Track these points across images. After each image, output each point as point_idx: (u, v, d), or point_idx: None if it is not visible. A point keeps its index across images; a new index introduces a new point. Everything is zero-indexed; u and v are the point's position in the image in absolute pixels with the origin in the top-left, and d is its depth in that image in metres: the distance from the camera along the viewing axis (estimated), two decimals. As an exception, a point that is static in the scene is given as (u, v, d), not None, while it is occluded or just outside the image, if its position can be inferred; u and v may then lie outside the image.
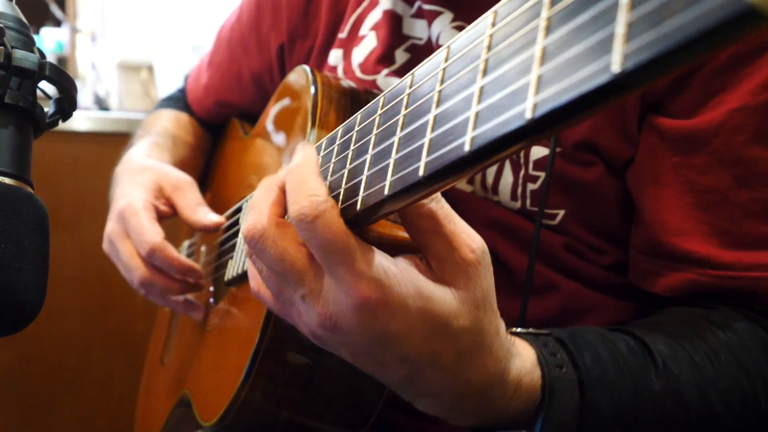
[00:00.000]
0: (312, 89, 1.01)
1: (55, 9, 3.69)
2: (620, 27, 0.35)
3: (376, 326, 0.63)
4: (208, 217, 1.16)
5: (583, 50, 0.37)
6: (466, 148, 0.43)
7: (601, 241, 0.99)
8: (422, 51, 1.11)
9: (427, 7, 1.07)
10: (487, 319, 0.66)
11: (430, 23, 1.08)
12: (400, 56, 1.13)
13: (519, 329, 0.78)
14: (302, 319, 0.68)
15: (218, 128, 1.61)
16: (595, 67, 0.36)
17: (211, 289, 1.27)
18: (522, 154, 0.97)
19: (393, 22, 1.13)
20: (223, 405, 0.98)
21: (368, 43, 1.16)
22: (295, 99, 1.10)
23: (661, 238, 0.92)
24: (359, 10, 1.19)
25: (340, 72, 1.20)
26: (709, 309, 0.90)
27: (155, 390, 1.55)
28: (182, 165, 1.41)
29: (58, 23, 3.90)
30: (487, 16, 0.49)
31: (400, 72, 1.12)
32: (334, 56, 1.22)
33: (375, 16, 1.16)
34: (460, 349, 0.66)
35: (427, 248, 0.64)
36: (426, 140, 0.49)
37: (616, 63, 0.35)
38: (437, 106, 0.50)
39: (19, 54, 0.70)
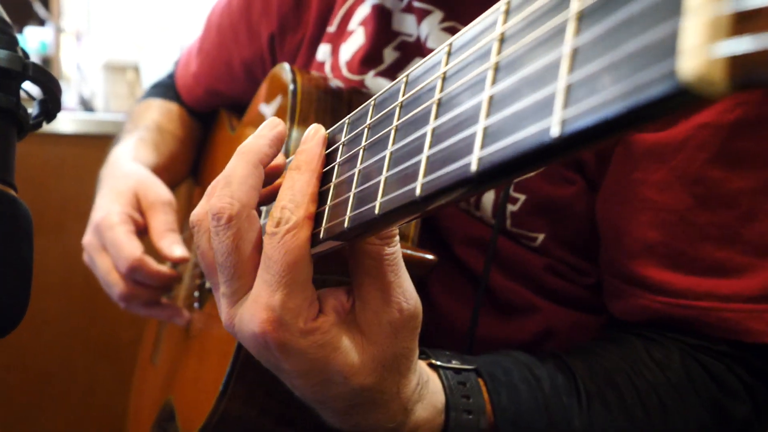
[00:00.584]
0: (291, 87, 0.99)
1: (39, 8, 3.68)
2: (561, 88, 0.34)
3: (269, 357, 0.65)
4: (171, 247, 1.15)
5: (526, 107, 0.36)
6: (473, 168, 0.40)
7: (583, 262, 0.98)
8: (412, 49, 1.09)
9: (417, 4, 1.05)
10: (392, 380, 0.66)
11: (419, 21, 1.06)
12: (389, 55, 1.11)
13: (441, 363, 0.78)
14: (220, 309, 0.69)
15: (209, 116, 1.58)
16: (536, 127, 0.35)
17: (196, 294, 1.26)
18: None
19: (382, 17, 1.10)
20: (202, 419, 0.98)
21: (356, 39, 1.14)
22: (277, 97, 1.08)
23: (619, 259, 0.92)
24: (348, 3, 1.17)
25: (327, 69, 1.18)
26: (648, 340, 0.90)
27: (145, 390, 1.56)
28: (172, 160, 1.40)
29: (42, 22, 3.89)
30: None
31: (389, 72, 1.11)
32: (323, 51, 1.20)
33: (364, 10, 1.14)
34: (353, 401, 0.67)
35: (359, 287, 0.64)
36: (423, 157, 0.47)
37: (555, 126, 0.34)
38: (436, 117, 0.47)
39: (2, 54, 0.69)
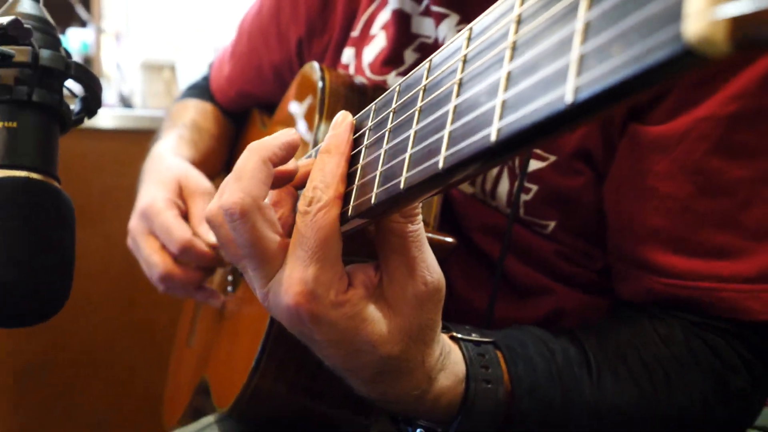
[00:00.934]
0: (320, 84, 1.02)
1: (80, 10, 3.69)
2: (574, 58, 0.35)
3: (302, 329, 0.66)
4: (209, 233, 1.15)
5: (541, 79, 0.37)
6: (493, 138, 0.41)
7: (592, 247, 1.00)
8: (431, 50, 1.08)
9: (434, 8, 1.06)
10: (417, 349, 0.67)
11: (437, 24, 1.07)
12: (409, 56, 1.13)
13: (462, 335, 0.79)
14: (254, 286, 0.70)
15: (241, 116, 1.61)
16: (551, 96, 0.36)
17: (229, 278, 1.27)
18: (517, 165, 0.97)
19: (401, 21, 1.12)
20: (235, 393, 1.00)
21: (378, 42, 1.16)
22: (306, 94, 1.11)
23: (625, 244, 0.93)
24: (370, 9, 1.18)
25: (351, 70, 1.20)
26: (653, 318, 0.91)
27: (181, 371, 1.58)
28: (208, 156, 1.42)
29: (83, 24, 3.90)
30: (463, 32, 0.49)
31: (409, 72, 1.11)
32: (347, 54, 1.22)
33: (384, 15, 1.15)
34: (380, 369, 0.67)
35: (386, 263, 0.65)
36: (446, 132, 0.48)
37: (568, 93, 0.35)
38: (457, 96, 0.48)
39: (46, 54, 0.70)
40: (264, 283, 0.67)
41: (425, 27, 1.11)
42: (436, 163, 0.47)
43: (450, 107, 0.48)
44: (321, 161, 0.63)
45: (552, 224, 0.98)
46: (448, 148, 0.47)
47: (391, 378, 0.69)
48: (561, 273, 1.01)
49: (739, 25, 0.26)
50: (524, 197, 0.97)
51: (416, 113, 0.54)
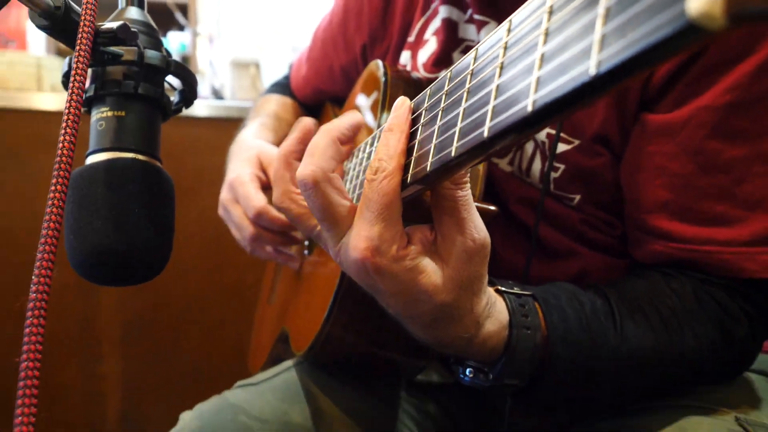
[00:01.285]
0: (383, 79, 1.05)
1: (179, 16, 3.75)
2: (597, 39, 0.36)
3: (368, 281, 0.68)
4: None
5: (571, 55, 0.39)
6: (529, 108, 0.43)
7: (611, 217, 1.02)
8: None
9: (476, 16, 1.10)
10: (466, 298, 0.68)
11: (479, 30, 1.10)
12: (457, 58, 1.15)
13: (504, 288, 0.81)
14: (327, 245, 0.73)
15: (315, 109, 1.66)
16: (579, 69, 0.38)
17: (306, 243, 1.31)
18: (547, 147, 1.00)
19: (450, 28, 1.15)
20: (311, 339, 1.03)
21: (430, 46, 1.19)
22: (371, 88, 1.13)
23: (638, 215, 0.95)
24: (423, 19, 1.22)
25: (408, 69, 1.24)
26: (667, 276, 0.92)
27: (263, 325, 1.62)
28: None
29: (181, 28, 3.95)
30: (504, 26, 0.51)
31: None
32: (404, 57, 1.25)
33: (436, 23, 1.19)
34: (435, 316, 0.69)
35: (439, 224, 0.66)
36: (490, 107, 0.49)
37: (592, 67, 0.36)
38: (500, 76, 0.49)
39: (150, 53, 0.71)
40: (336, 242, 0.69)
41: (470, 33, 1.14)
42: (482, 132, 0.49)
43: (493, 86, 0.50)
44: (385, 138, 0.65)
45: (577, 197, 1.00)
46: (491, 120, 0.48)
47: (445, 324, 0.70)
48: (586, 238, 1.03)
49: (734, 1, 0.27)
50: (554, 174, 1.00)
51: (465, 93, 0.55)
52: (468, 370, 0.83)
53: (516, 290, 0.81)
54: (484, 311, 0.72)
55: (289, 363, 1.22)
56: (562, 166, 0.99)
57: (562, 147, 0.99)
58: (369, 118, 1.09)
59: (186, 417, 1.10)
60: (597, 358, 0.82)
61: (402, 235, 0.65)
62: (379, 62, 1.10)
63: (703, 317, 0.88)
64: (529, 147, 1.02)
